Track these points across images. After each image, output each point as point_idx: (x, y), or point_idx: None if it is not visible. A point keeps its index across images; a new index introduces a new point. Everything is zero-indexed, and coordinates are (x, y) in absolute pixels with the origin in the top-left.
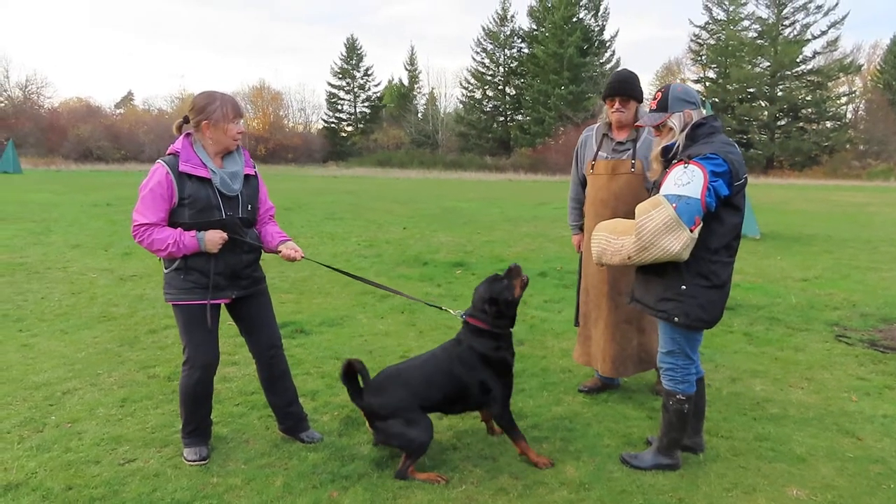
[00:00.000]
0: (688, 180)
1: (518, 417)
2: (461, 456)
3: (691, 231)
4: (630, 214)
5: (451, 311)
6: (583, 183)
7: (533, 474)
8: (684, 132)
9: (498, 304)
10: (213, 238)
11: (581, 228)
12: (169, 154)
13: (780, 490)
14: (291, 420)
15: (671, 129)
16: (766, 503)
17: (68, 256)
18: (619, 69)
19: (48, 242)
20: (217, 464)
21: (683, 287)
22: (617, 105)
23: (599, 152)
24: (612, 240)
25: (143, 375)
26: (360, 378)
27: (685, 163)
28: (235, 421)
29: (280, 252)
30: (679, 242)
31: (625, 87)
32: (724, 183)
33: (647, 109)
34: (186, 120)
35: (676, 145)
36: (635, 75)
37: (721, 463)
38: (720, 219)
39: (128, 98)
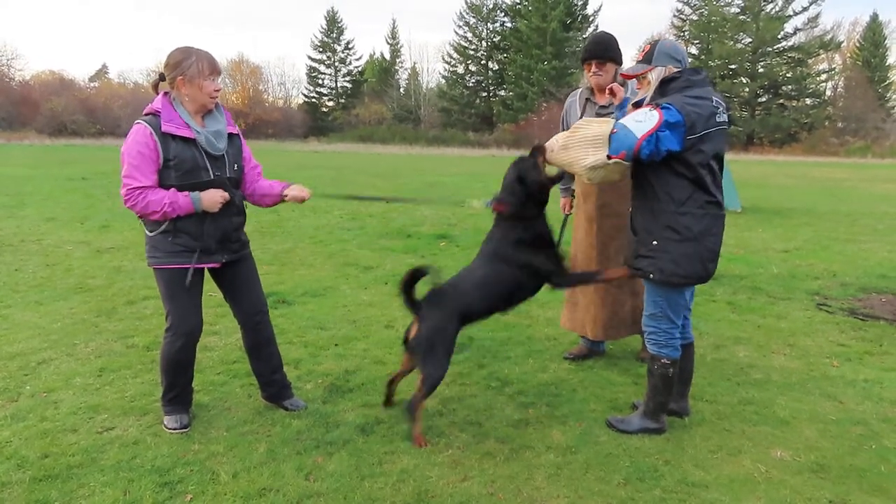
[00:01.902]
0: (642, 119)
1: (504, 384)
2: (447, 422)
3: (609, 158)
4: (616, 182)
5: (475, 201)
6: None
7: (519, 438)
8: (656, 83)
9: (526, 183)
10: (214, 197)
11: (569, 192)
12: (147, 114)
13: (765, 451)
14: (275, 387)
15: (650, 82)
16: (751, 464)
17: (43, 229)
18: (595, 32)
19: (22, 216)
20: (198, 431)
21: (655, 242)
22: (594, 68)
23: (584, 116)
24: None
25: (121, 345)
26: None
27: (652, 106)
28: (217, 389)
29: (287, 196)
30: (592, 157)
31: (600, 50)
32: (672, 135)
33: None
34: (162, 77)
35: (646, 99)
36: (612, 37)
37: (706, 426)
38: (673, 170)
39: (102, 71)
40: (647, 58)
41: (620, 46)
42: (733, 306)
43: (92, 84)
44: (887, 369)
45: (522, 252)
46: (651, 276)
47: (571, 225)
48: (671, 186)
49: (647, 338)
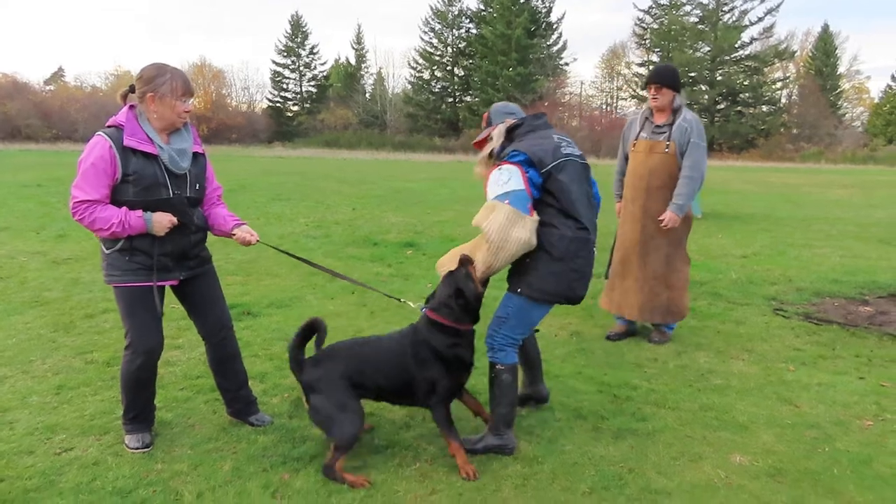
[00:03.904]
0: (507, 178)
1: (476, 392)
2: (415, 434)
3: (531, 216)
4: (661, 189)
5: (411, 303)
6: (626, 159)
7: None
8: (501, 136)
9: (465, 296)
10: (162, 221)
11: (622, 196)
12: (110, 126)
13: (725, 457)
14: (240, 403)
15: (493, 137)
16: (712, 469)
17: None
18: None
19: None
20: (161, 450)
21: (528, 260)
22: (652, 91)
23: (641, 133)
24: (478, 260)
25: (79, 361)
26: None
27: (498, 166)
28: (180, 406)
29: (234, 235)
30: (525, 229)
31: (658, 77)
32: (534, 171)
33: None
34: (132, 89)
35: (494, 148)
36: (672, 67)
37: (669, 433)
38: (543, 201)
39: (58, 74)
40: (489, 121)
41: (674, 75)
42: (694, 312)
43: (47, 87)
44: (839, 373)
45: (435, 366)
46: (518, 290)
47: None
48: (543, 214)
49: (486, 341)
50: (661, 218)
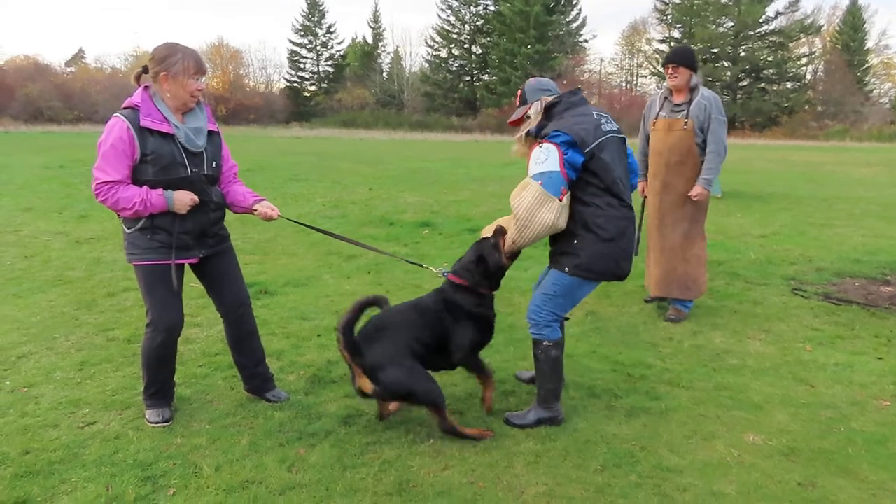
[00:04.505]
0: (545, 157)
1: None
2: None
3: (560, 200)
4: (679, 164)
5: (433, 268)
6: (647, 139)
7: (499, 427)
8: (539, 115)
9: (486, 263)
10: (183, 199)
11: (644, 176)
12: (126, 107)
13: (738, 436)
14: (258, 380)
15: (531, 116)
16: (725, 448)
17: (20, 220)
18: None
19: None
20: (181, 424)
21: (575, 241)
22: (670, 71)
23: (661, 112)
24: (508, 235)
25: (101, 338)
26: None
27: (539, 143)
28: (199, 382)
29: (256, 211)
30: (552, 213)
31: (676, 56)
32: (574, 152)
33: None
34: (146, 70)
35: (533, 128)
36: (689, 47)
37: (682, 412)
38: (585, 181)
39: (79, 56)
40: (522, 100)
41: (690, 56)
42: (711, 292)
43: (68, 69)
44: (858, 353)
45: (466, 323)
46: (566, 269)
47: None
48: (586, 194)
49: (528, 318)
50: (690, 194)
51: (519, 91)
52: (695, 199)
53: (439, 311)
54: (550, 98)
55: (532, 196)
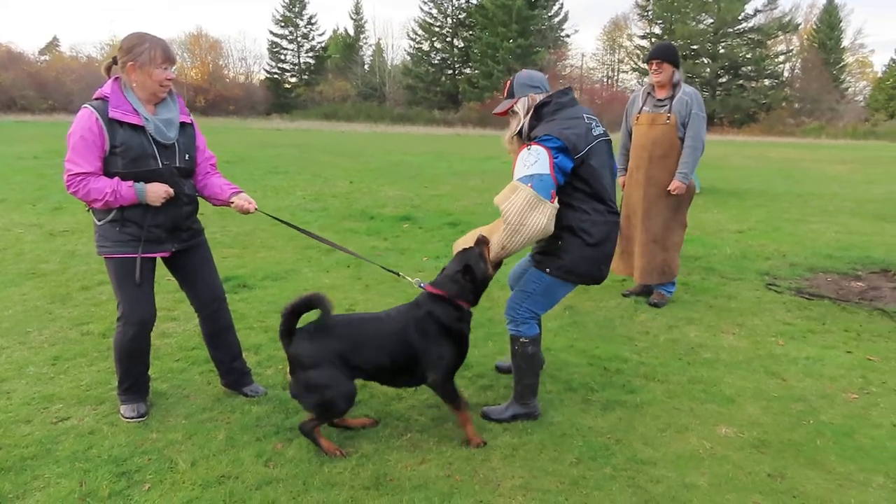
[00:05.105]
0: (535, 160)
1: (464, 367)
2: (406, 405)
3: (551, 202)
4: (662, 158)
5: (410, 278)
6: (629, 133)
7: (477, 420)
8: (528, 114)
9: (473, 273)
10: (157, 191)
11: (625, 170)
12: (96, 98)
13: (711, 429)
14: (235, 375)
15: (517, 111)
16: (697, 441)
17: None
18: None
19: None
20: (156, 419)
21: (559, 242)
22: (654, 67)
23: (644, 107)
24: (493, 242)
25: (76, 333)
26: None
27: (528, 146)
28: (175, 377)
29: (233, 203)
30: (544, 216)
31: (659, 52)
32: (565, 157)
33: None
34: (115, 61)
35: (521, 126)
36: (671, 44)
37: (657, 405)
38: (572, 185)
39: (53, 44)
40: (510, 93)
41: (674, 52)
42: (687, 286)
43: (42, 58)
44: (828, 347)
45: (441, 340)
46: (548, 270)
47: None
48: (573, 198)
49: (506, 314)
50: (669, 188)
51: (507, 82)
52: (674, 192)
53: (407, 326)
54: (540, 97)
55: (523, 199)
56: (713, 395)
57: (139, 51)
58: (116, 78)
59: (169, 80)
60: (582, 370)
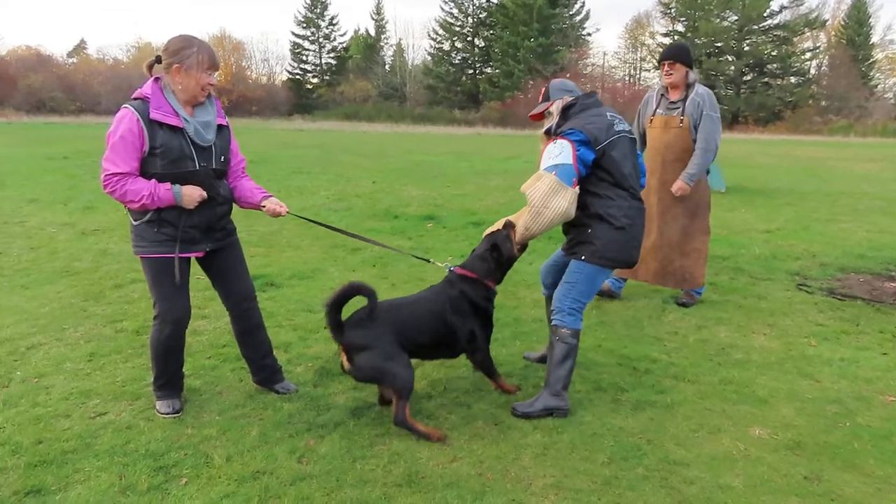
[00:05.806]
0: (559, 152)
1: None
2: (436, 404)
3: (573, 188)
4: (676, 162)
5: (439, 262)
6: (642, 136)
7: (507, 419)
8: (559, 113)
9: (500, 251)
10: (192, 195)
11: None
12: (136, 98)
13: (744, 430)
14: (266, 372)
15: (552, 112)
16: (731, 442)
17: (25, 211)
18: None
19: (2, 197)
20: (191, 415)
21: (589, 231)
22: (666, 68)
23: (657, 109)
24: (519, 225)
25: (110, 330)
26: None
27: (554, 140)
28: (208, 373)
29: (264, 207)
30: (566, 200)
31: (672, 53)
32: (587, 150)
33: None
34: (158, 60)
35: (552, 125)
36: (684, 44)
37: (688, 406)
38: (596, 176)
39: (80, 47)
40: (546, 97)
41: (686, 52)
42: (715, 287)
43: (70, 60)
44: (863, 348)
45: (473, 318)
46: (583, 258)
47: None
48: (598, 188)
49: (554, 306)
50: (672, 188)
51: (543, 89)
52: (676, 193)
53: (443, 305)
54: (569, 99)
55: (546, 185)
56: (745, 396)
57: (187, 54)
58: (157, 77)
59: (212, 84)
60: (611, 370)
